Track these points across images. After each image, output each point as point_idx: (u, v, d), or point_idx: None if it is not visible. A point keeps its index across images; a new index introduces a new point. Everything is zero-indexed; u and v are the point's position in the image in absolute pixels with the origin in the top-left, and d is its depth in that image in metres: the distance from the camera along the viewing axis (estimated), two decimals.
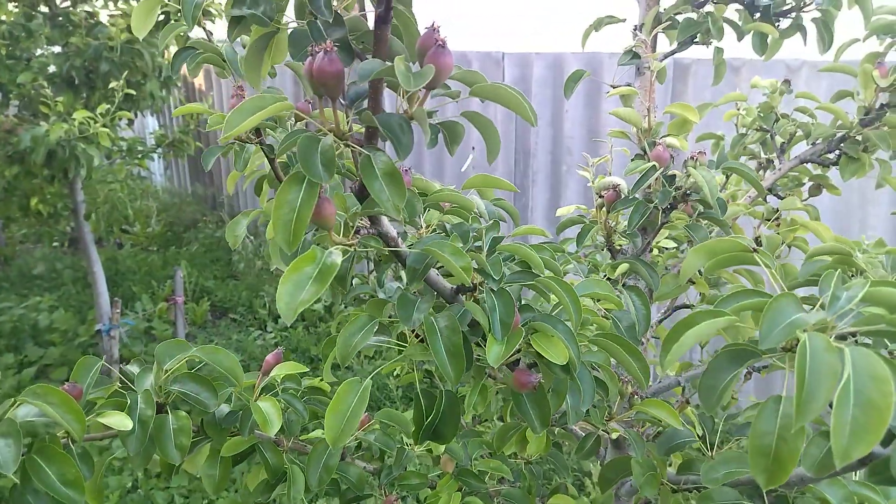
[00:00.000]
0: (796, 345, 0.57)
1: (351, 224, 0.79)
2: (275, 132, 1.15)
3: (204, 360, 1.03)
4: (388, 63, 0.65)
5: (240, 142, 1.17)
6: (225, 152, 1.19)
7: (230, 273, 6.61)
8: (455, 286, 0.95)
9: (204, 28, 1.26)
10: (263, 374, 1.15)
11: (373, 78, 0.63)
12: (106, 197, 4.26)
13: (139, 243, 7.29)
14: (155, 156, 4.55)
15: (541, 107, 4.58)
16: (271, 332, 5.30)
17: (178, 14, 1.07)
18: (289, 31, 0.75)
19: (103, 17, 3.94)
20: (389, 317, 1.01)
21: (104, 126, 3.29)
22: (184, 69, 1.24)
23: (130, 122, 4.05)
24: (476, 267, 0.87)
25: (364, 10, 0.82)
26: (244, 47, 1.29)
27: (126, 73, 3.43)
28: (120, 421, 0.89)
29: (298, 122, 0.92)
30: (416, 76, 0.61)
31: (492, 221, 0.98)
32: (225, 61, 1.21)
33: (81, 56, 3.49)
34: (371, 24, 0.80)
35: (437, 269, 0.95)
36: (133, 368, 1.09)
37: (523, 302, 0.97)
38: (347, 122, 0.72)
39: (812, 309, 0.62)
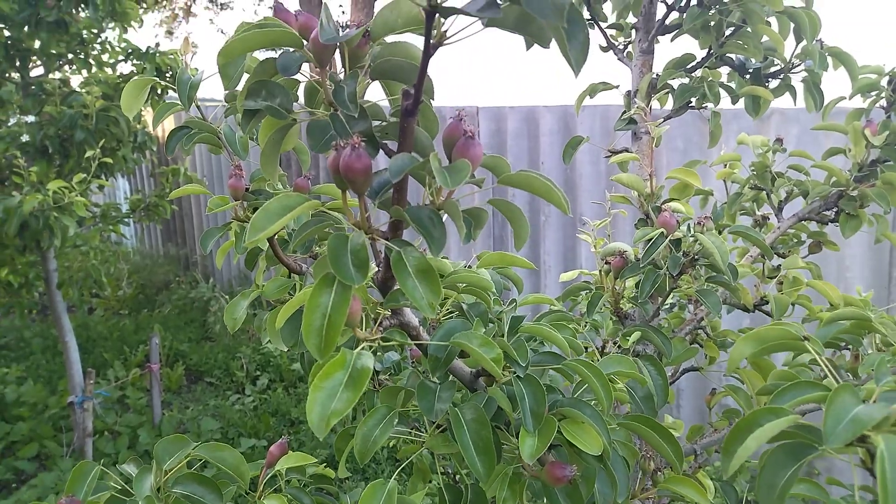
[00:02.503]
0: (860, 439, 0.55)
1: (373, 315, 0.76)
2: None
3: (205, 458, 0.97)
4: (417, 157, 0.63)
5: (239, 221, 1.14)
6: (223, 233, 1.15)
7: (205, 335, 6.46)
8: (474, 370, 0.92)
9: (198, 106, 1.23)
10: (268, 467, 1.08)
11: (409, 172, 0.60)
12: (81, 265, 4.14)
13: (110, 307, 7.10)
14: (128, 220, 4.47)
15: (516, 159, 4.62)
16: (249, 395, 5.15)
17: (160, 87, 1.04)
18: (304, 122, 0.73)
19: (74, 83, 3.91)
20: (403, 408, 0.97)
21: (80, 195, 3.22)
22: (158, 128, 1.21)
23: (102, 187, 3.98)
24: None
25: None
26: (239, 124, 1.27)
27: (102, 140, 3.39)
28: None
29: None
30: (451, 173, 0.58)
31: (510, 303, 0.95)
32: (221, 140, 1.18)
33: (55, 125, 3.43)
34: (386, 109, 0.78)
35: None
36: (130, 468, 1.02)
37: (544, 384, 0.93)
38: (370, 214, 0.70)
39: (869, 400, 0.59)
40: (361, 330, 0.73)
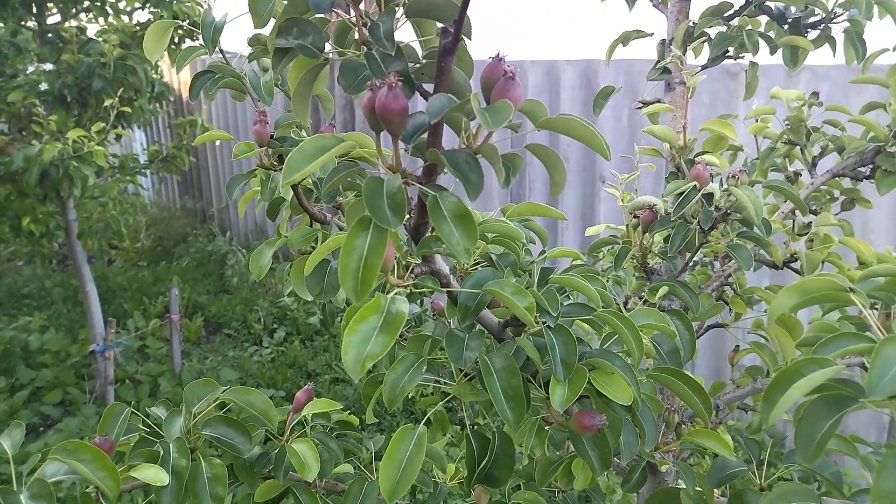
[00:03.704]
0: None
1: (404, 262, 0.75)
2: None
3: (234, 401, 0.98)
4: (455, 98, 0.61)
5: (264, 168, 1.12)
6: (247, 180, 1.14)
7: (223, 287, 6.53)
8: (503, 320, 0.91)
9: (221, 51, 1.21)
10: (294, 412, 1.09)
11: (445, 115, 0.58)
12: (100, 215, 4.17)
13: (129, 259, 7.18)
14: (146, 171, 4.48)
15: None
16: (267, 347, 5.23)
17: (176, 30, 1.02)
18: (337, 61, 0.71)
19: (91, 32, 3.86)
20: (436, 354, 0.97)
21: (98, 144, 3.22)
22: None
23: (119, 137, 3.98)
24: None
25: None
26: (263, 70, 1.25)
27: (120, 90, 3.36)
28: (155, 475, 0.83)
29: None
30: (492, 114, 0.56)
31: (540, 254, 0.93)
32: (245, 86, 1.16)
33: (73, 73, 3.41)
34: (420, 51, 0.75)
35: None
36: (159, 411, 1.03)
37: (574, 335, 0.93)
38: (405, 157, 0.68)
39: None
40: (394, 276, 0.72)
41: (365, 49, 0.67)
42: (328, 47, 0.76)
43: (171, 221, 8.12)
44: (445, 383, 0.91)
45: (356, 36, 0.70)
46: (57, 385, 4.49)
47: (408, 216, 0.76)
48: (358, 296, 0.59)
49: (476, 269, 0.99)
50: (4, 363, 4.70)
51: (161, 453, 0.90)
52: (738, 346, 1.49)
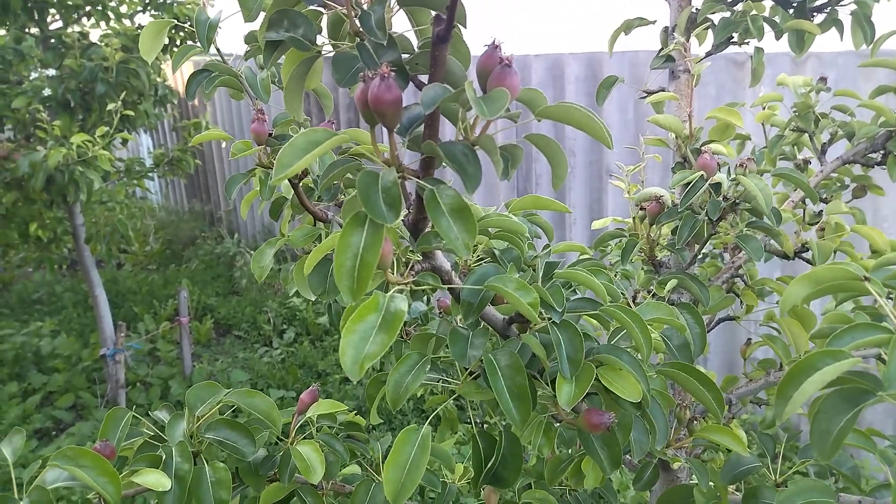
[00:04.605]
0: None
1: (404, 259, 0.73)
2: None
3: (237, 405, 0.97)
4: (450, 88, 0.59)
5: (263, 167, 1.11)
6: (247, 179, 1.12)
7: (232, 289, 6.53)
8: (507, 317, 0.89)
9: (217, 50, 1.19)
10: (299, 413, 1.08)
11: (439, 105, 0.56)
12: (107, 219, 4.18)
13: (138, 262, 7.21)
14: (153, 174, 4.48)
15: None
16: (277, 349, 5.23)
17: (174, 32, 1.00)
18: (329, 54, 0.69)
19: (94, 37, 3.87)
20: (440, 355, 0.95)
21: (103, 148, 3.22)
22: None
23: (125, 141, 3.99)
24: None
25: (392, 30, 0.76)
26: (260, 68, 1.23)
27: (123, 93, 3.36)
28: (157, 480, 0.82)
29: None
30: (488, 103, 0.54)
31: (544, 248, 0.91)
32: (242, 84, 1.15)
33: (76, 78, 3.41)
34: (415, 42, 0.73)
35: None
36: (162, 415, 1.02)
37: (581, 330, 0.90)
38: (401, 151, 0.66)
39: None
40: (393, 274, 0.70)
41: (358, 41, 0.65)
42: (321, 40, 0.74)
43: (179, 224, 8.14)
44: (451, 382, 0.89)
45: (350, 28, 0.68)
46: (69, 389, 4.51)
47: (406, 212, 0.75)
48: (354, 294, 0.57)
49: (479, 265, 0.97)
50: (17, 368, 4.72)
51: (163, 458, 0.88)
52: (749, 338, 1.46)
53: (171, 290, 6.26)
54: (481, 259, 1.01)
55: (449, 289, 0.78)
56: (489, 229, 0.90)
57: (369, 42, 0.63)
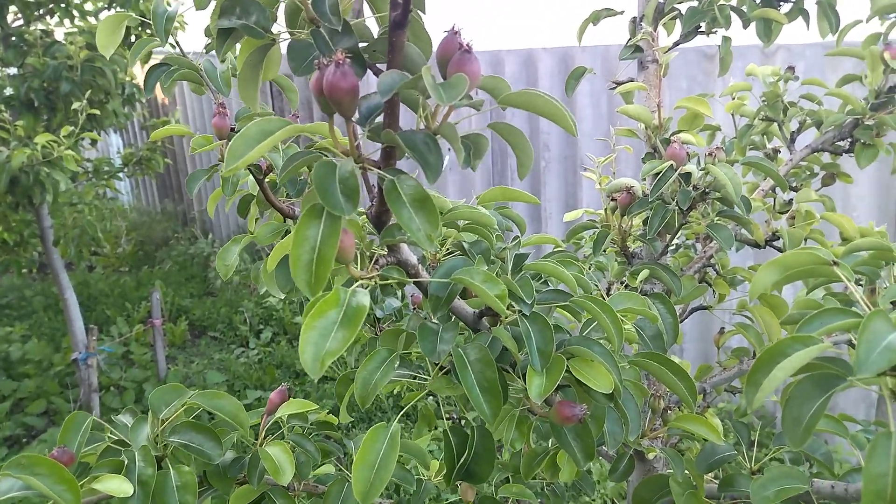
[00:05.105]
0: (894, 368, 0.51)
1: (368, 253, 0.71)
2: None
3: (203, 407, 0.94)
4: (408, 74, 0.57)
5: None
6: (209, 175, 1.09)
7: (206, 290, 6.45)
8: (477, 310, 0.88)
9: (176, 43, 1.16)
10: (268, 414, 1.06)
11: (395, 92, 0.55)
12: (75, 221, 4.09)
13: (110, 264, 7.08)
14: (122, 174, 4.40)
15: None
16: (254, 349, 5.17)
17: (140, 29, 0.97)
18: (284, 42, 0.66)
19: (59, 35, 3.78)
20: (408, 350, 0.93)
21: (68, 149, 3.14)
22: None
23: (94, 142, 3.90)
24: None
25: (363, 16, 0.74)
26: (221, 61, 1.20)
27: (88, 92, 3.28)
28: (119, 486, 0.79)
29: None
30: (446, 89, 0.53)
31: (514, 240, 0.90)
32: (202, 77, 1.12)
33: (39, 77, 3.33)
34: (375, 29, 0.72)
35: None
36: (125, 419, 0.99)
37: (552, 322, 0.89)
38: (360, 141, 0.64)
39: None
40: (356, 268, 0.68)
41: (314, 27, 0.63)
42: (279, 29, 0.72)
43: (151, 225, 8.01)
44: (423, 378, 0.87)
45: (306, 15, 0.66)
46: (40, 395, 4.42)
47: (371, 203, 0.73)
48: (312, 289, 0.55)
49: (449, 257, 0.95)
50: None
51: (126, 463, 0.86)
52: (723, 328, 1.46)
53: (143, 292, 6.16)
54: (451, 252, 0.99)
55: (416, 283, 0.77)
56: (458, 222, 0.89)
57: (325, 28, 0.60)
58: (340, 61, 0.55)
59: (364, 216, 0.73)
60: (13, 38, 3.51)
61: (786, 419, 0.57)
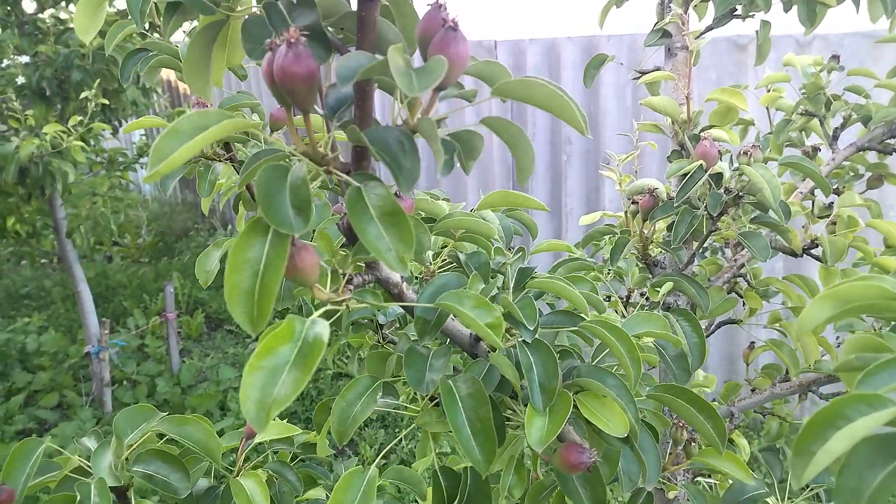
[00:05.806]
0: None
1: (340, 271, 0.61)
2: (245, 146, 0.96)
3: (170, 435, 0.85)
4: (377, 56, 0.46)
5: (205, 159, 0.98)
6: (188, 172, 1.00)
7: (224, 283, 6.40)
8: (474, 332, 0.77)
9: (150, 24, 1.06)
10: (247, 438, 0.96)
11: (358, 79, 0.44)
12: (88, 212, 4.05)
13: (130, 255, 7.08)
14: (138, 166, 4.34)
15: None
16: None
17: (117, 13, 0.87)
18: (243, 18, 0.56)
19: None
20: (395, 376, 0.83)
21: (80, 139, 3.08)
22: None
23: (115, 132, 3.84)
24: (503, 312, 0.68)
25: None
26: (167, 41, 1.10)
27: (99, 81, 3.22)
28: None
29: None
30: (419, 74, 0.42)
31: (517, 252, 0.79)
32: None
33: (51, 65, 3.27)
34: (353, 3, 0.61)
35: None
36: (90, 443, 0.90)
37: (559, 347, 0.78)
38: (328, 139, 0.54)
39: None
40: (324, 289, 0.58)
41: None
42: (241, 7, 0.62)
43: (172, 216, 8.01)
44: (410, 409, 0.77)
45: None
46: (54, 388, 4.40)
47: (344, 213, 0.62)
48: (255, 324, 0.45)
49: (444, 270, 0.85)
50: (1, 366, 4.61)
51: (78, 498, 0.76)
52: (752, 342, 1.34)
53: (161, 283, 6.12)
54: (449, 263, 0.88)
55: (402, 306, 0.66)
56: (453, 230, 0.78)
57: (282, 1, 0.50)
58: (293, 40, 0.45)
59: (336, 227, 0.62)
60: (27, 26, 3.46)
61: (841, 491, 0.46)
